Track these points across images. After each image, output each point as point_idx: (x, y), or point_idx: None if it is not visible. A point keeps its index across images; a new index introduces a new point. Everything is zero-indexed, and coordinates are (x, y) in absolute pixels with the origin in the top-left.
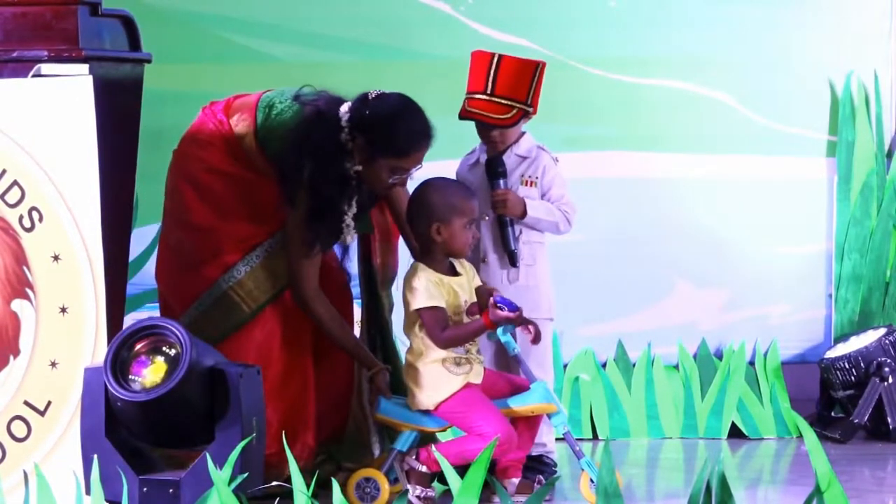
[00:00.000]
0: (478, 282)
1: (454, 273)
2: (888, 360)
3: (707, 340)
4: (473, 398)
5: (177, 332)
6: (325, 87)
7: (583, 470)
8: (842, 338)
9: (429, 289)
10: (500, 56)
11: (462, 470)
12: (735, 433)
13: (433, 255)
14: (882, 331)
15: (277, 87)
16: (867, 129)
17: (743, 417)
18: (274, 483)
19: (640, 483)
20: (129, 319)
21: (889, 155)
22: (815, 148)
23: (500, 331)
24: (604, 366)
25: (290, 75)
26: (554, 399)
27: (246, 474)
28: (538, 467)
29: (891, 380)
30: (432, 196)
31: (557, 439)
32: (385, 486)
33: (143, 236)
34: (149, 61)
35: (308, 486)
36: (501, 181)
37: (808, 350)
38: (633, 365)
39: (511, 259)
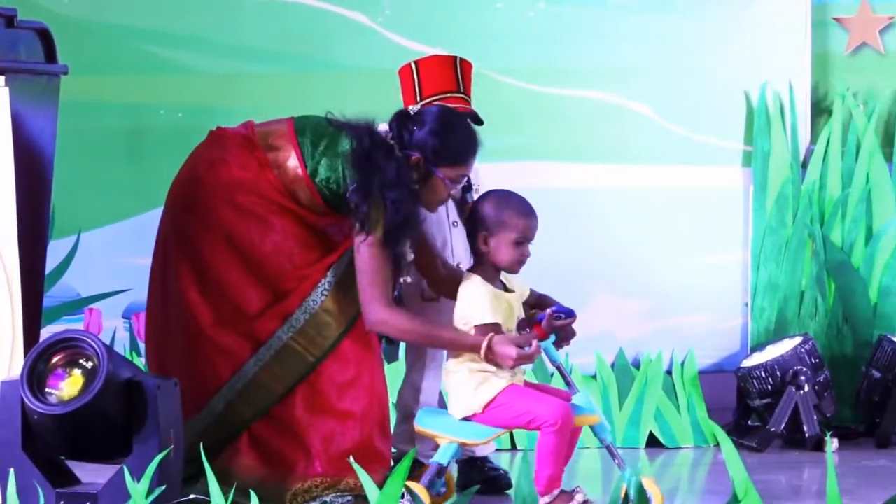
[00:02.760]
0: (526, 295)
1: (506, 289)
2: (804, 369)
3: (624, 350)
4: (519, 390)
5: (94, 345)
6: (247, 98)
7: (625, 483)
8: (758, 347)
9: (490, 303)
10: (461, 58)
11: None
12: (653, 442)
13: (484, 267)
14: (798, 340)
15: (198, 99)
16: (782, 139)
17: (660, 426)
18: (192, 496)
19: None
20: (46, 332)
21: (804, 164)
22: (731, 158)
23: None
24: None
25: (210, 87)
26: (596, 410)
27: (163, 487)
28: (470, 473)
29: (806, 388)
30: (486, 207)
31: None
32: (428, 501)
33: (59, 248)
34: (65, 73)
35: (227, 495)
36: (469, 194)
37: (724, 359)
38: (552, 375)
39: None
